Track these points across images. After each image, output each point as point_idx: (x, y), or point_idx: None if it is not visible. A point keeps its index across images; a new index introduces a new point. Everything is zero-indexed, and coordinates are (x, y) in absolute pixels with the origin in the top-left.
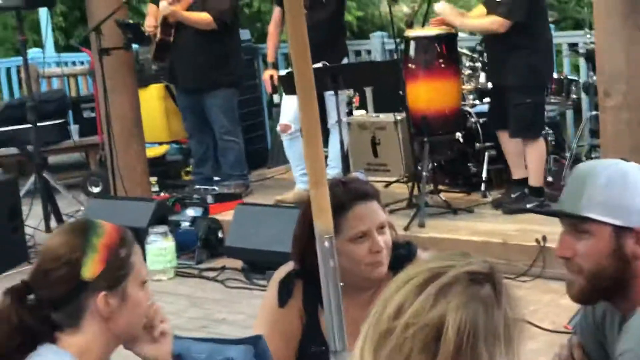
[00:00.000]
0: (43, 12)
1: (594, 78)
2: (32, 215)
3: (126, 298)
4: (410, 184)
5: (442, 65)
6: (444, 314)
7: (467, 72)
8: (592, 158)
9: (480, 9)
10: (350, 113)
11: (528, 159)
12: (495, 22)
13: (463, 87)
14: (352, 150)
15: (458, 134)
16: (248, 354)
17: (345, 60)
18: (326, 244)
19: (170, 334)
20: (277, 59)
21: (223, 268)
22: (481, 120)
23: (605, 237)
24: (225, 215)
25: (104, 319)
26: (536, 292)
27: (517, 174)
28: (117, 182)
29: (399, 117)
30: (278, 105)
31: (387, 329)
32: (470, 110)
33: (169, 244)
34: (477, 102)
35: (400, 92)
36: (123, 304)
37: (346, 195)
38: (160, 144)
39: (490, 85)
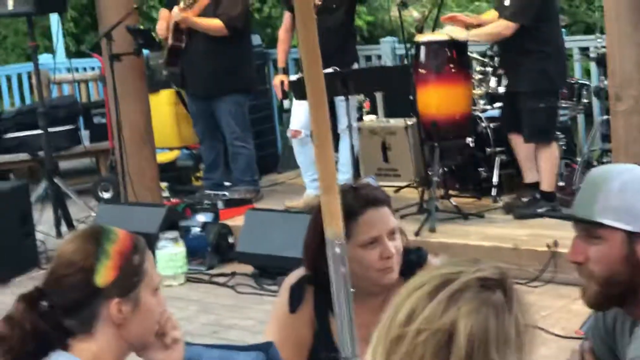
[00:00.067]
0: (54, 18)
1: (605, 82)
2: (43, 221)
3: (139, 305)
4: (420, 189)
5: (453, 70)
6: (455, 319)
7: (478, 76)
8: (603, 163)
9: (492, 13)
10: (360, 118)
11: (540, 164)
12: (500, 26)
13: (474, 91)
14: (362, 155)
15: (469, 139)
16: None
17: (355, 66)
18: (337, 249)
19: (182, 341)
20: (287, 64)
21: (233, 274)
22: (492, 125)
23: (618, 243)
24: (236, 220)
25: (117, 325)
26: (547, 297)
27: (528, 178)
28: (127, 187)
29: (409, 122)
30: (288, 111)
31: (398, 335)
32: (481, 115)
33: (180, 249)
34: (487, 106)
35: (411, 97)
36: (136, 310)
37: (357, 201)
38: (171, 149)
39: (500, 89)
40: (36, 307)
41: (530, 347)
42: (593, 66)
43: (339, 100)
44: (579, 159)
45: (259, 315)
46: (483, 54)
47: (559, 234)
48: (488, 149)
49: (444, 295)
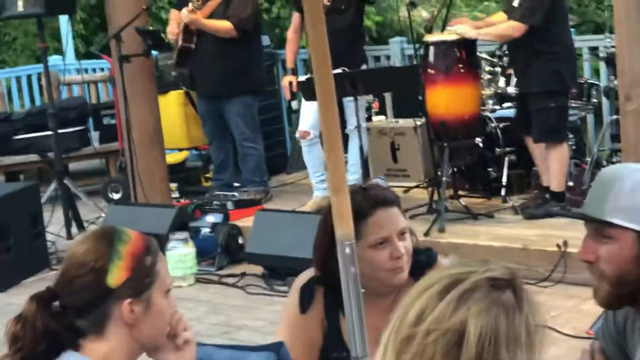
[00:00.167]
0: (63, 20)
1: (615, 82)
2: (54, 222)
3: (150, 306)
4: (430, 190)
5: (462, 70)
6: (465, 319)
7: (487, 77)
8: (613, 162)
9: (501, 15)
10: (369, 118)
11: (550, 164)
12: (510, 27)
13: (483, 92)
14: (371, 155)
15: (478, 139)
16: None
17: (364, 67)
18: (347, 250)
19: (193, 342)
20: (296, 65)
21: (243, 274)
22: (501, 125)
23: (629, 243)
24: (246, 221)
25: (128, 326)
26: (557, 297)
27: (546, 181)
28: (137, 188)
29: (418, 123)
30: (297, 112)
31: (408, 335)
32: (490, 115)
33: (190, 250)
34: (496, 107)
35: (420, 98)
36: (147, 312)
37: (367, 202)
38: (180, 150)
39: (509, 90)
40: (48, 307)
41: (540, 347)
42: (602, 66)
43: (348, 101)
44: (588, 159)
45: (269, 316)
46: (492, 54)
47: (568, 234)
48: (497, 149)
49: (453, 295)
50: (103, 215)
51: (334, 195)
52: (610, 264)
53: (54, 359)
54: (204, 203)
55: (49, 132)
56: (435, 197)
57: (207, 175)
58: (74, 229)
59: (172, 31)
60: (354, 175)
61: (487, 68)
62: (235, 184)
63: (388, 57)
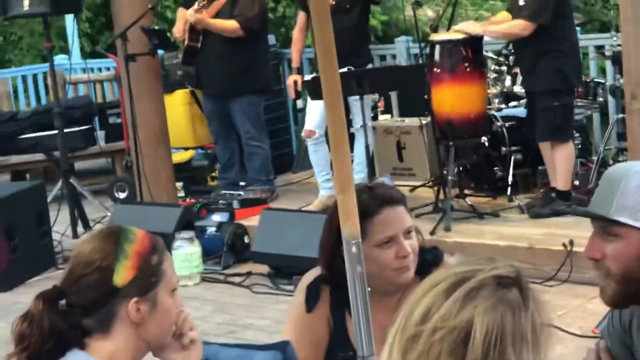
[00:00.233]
0: (69, 19)
1: (621, 81)
2: (59, 221)
3: (157, 305)
4: (435, 188)
5: (468, 69)
6: (471, 317)
7: (493, 75)
8: (619, 161)
9: (505, 14)
10: (375, 117)
11: (556, 162)
12: (519, 26)
13: (489, 90)
14: (377, 154)
15: (484, 138)
16: None
17: (369, 67)
18: (353, 249)
19: (199, 341)
20: (302, 64)
21: (249, 273)
22: (507, 124)
23: (634, 241)
24: (251, 220)
25: (134, 325)
26: (563, 296)
27: (553, 180)
28: (143, 187)
29: (424, 122)
30: (301, 110)
31: (414, 333)
32: (496, 114)
33: (195, 249)
34: (502, 105)
35: (425, 97)
36: (153, 311)
37: (373, 201)
38: (186, 149)
39: (516, 88)
40: (55, 306)
41: (546, 345)
42: (608, 64)
43: (353, 100)
44: (594, 158)
45: (275, 315)
46: (498, 53)
47: (574, 233)
48: (503, 148)
49: (460, 294)
50: (109, 214)
51: (340, 194)
52: (616, 262)
53: (60, 358)
54: (210, 202)
55: (55, 131)
56: (441, 196)
57: (213, 174)
58: (80, 228)
59: (179, 30)
60: (359, 174)
61: (493, 67)
62: (241, 183)
63: (394, 56)
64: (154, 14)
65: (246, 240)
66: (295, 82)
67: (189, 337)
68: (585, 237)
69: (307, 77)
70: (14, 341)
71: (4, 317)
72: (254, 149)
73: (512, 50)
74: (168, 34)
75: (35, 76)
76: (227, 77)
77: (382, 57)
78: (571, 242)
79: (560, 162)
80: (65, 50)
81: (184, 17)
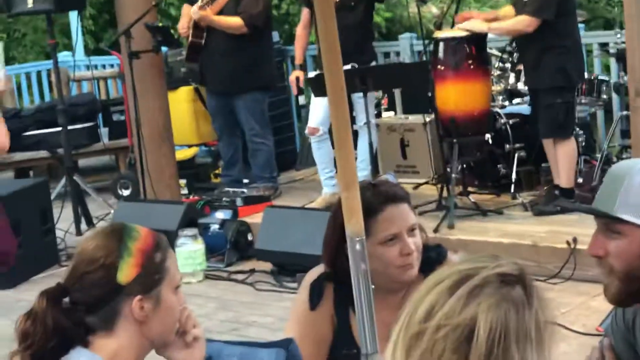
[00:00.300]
0: (73, 16)
1: (625, 78)
2: (63, 218)
3: (160, 302)
4: (439, 186)
5: (471, 67)
6: (475, 315)
7: (497, 73)
8: (623, 158)
9: (509, 9)
10: (379, 115)
11: (558, 160)
12: (523, 21)
13: (492, 88)
14: (381, 152)
15: (487, 136)
16: (279, 357)
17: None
18: (357, 246)
19: (203, 338)
20: (305, 61)
21: (252, 271)
22: (511, 122)
23: (637, 239)
24: (255, 217)
25: (138, 323)
26: (567, 294)
27: (556, 177)
28: (146, 185)
29: (427, 119)
30: (303, 107)
31: (418, 331)
32: (499, 111)
33: (199, 246)
34: (506, 103)
35: (429, 94)
36: (157, 308)
37: (377, 198)
38: (190, 146)
39: (519, 86)
40: (59, 303)
41: (550, 343)
42: (612, 62)
43: (357, 97)
44: (598, 155)
45: (278, 313)
46: (502, 50)
47: (578, 230)
48: (507, 146)
49: (463, 291)
50: (112, 211)
51: (345, 191)
52: (619, 259)
53: (64, 356)
54: (213, 199)
55: (59, 129)
56: (445, 193)
57: (217, 171)
58: (84, 225)
59: (183, 26)
60: (363, 171)
61: (497, 64)
62: (245, 180)
63: (397, 54)
64: (157, 11)
65: (249, 237)
66: (298, 78)
67: (192, 335)
68: (589, 235)
69: (311, 74)
70: (17, 339)
71: (7, 314)
72: (258, 145)
73: (516, 47)
74: (172, 31)
75: (39, 73)
76: (231, 74)
77: (386, 55)
78: (575, 240)
79: (562, 159)
80: (69, 47)
81: (188, 13)
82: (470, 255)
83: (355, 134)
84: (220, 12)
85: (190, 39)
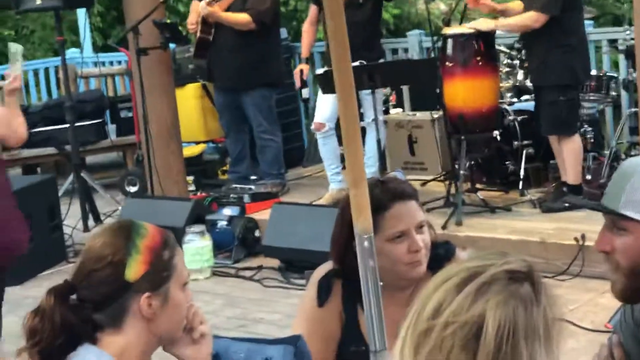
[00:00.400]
0: (81, 13)
1: (634, 75)
2: (70, 215)
3: (168, 300)
4: (447, 183)
5: (480, 63)
6: (483, 312)
7: (505, 69)
8: (631, 155)
9: (518, 3)
10: (386, 111)
11: (564, 157)
12: (530, 17)
13: (501, 84)
14: (389, 148)
15: (495, 132)
16: (287, 354)
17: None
18: (366, 243)
19: (210, 335)
20: (312, 56)
21: (260, 267)
22: (519, 118)
23: None
24: (262, 214)
25: (146, 320)
26: (575, 291)
27: (563, 174)
28: (154, 181)
29: (435, 115)
30: (307, 100)
31: (426, 328)
32: (508, 108)
33: (206, 243)
34: (515, 99)
35: (437, 90)
36: (165, 305)
37: (385, 195)
38: (197, 143)
39: (528, 82)
40: (66, 300)
41: (558, 340)
42: (621, 58)
43: (365, 94)
44: (606, 152)
45: (286, 309)
46: (510, 47)
47: (586, 227)
48: (515, 142)
49: (471, 288)
50: (120, 208)
51: (353, 188)
52: (625, 256)
53: (71, 353)
54: (221, 196)
55: (66, 125)
56: (453, 190)
57: (224, 168)
58: (91, 222)
59: (192, 22)
60: (371, 168)
61: (506, 61)
62: (252, 177)
63: (406, 50)
64: (165, 7)
65: (257, 234)
66: (301, 71)
67: (200, 331)
68: (597, 232)
69: (319, 71)
70: (25, 336)
71: (14, 311)
72: (266, 142)
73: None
74: (180, 28)
75: (47, 70)
76: (239, 71)
77: (394, 51)
78: (583, 237)
79: (568, 156)
80: (77, 44)
81: (197, 9)
82: (479, 252)
83: (363, 131)
84: (229, 9)
85: (198, 34)
